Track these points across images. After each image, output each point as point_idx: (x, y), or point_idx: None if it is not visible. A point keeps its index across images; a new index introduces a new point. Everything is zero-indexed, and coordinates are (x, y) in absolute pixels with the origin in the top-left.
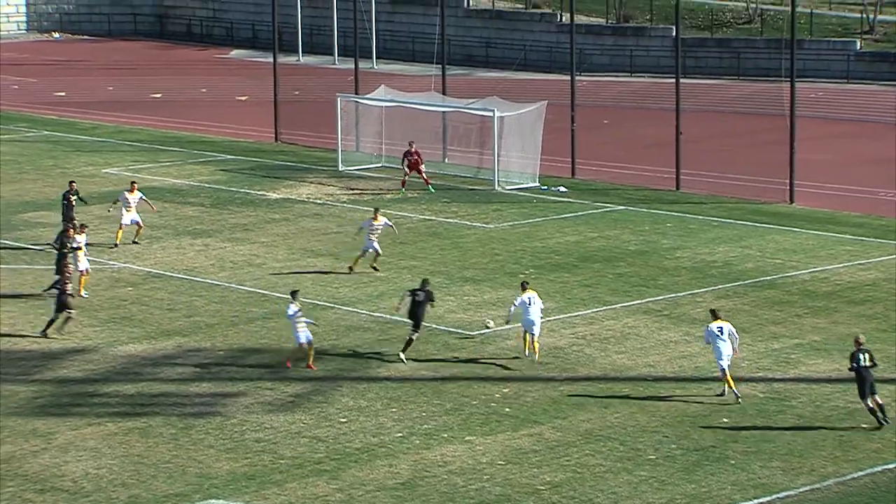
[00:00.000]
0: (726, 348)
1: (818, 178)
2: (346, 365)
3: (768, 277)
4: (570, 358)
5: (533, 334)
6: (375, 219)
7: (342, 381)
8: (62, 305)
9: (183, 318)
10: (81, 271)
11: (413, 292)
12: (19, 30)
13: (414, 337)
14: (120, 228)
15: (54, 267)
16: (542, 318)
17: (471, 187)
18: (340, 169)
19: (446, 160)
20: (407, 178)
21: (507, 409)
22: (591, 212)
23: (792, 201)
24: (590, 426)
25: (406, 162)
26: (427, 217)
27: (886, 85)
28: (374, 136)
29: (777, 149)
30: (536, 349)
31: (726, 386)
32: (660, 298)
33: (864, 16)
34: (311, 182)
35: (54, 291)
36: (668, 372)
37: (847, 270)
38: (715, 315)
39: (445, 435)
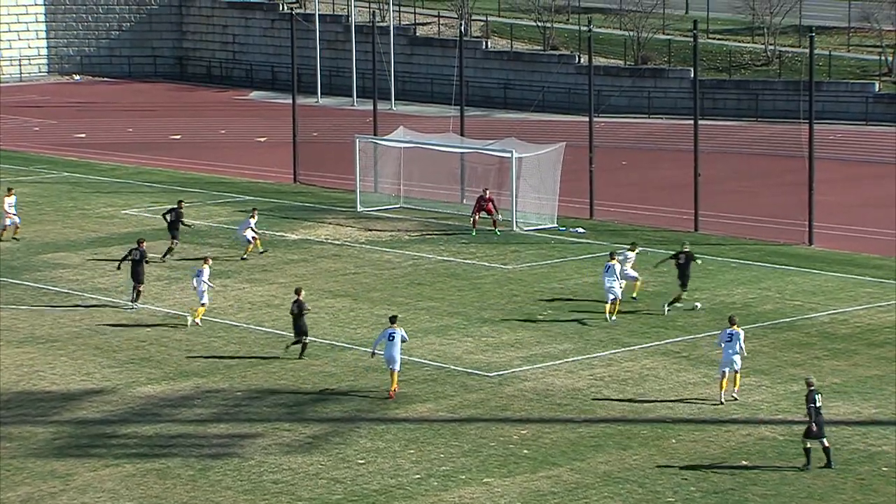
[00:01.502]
0: (735, 356)
1: (837, 219)
2: (364, 406)
3: (787, 319)
4: (588, 399)
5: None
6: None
7: (360, 423)
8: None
9: (201, 359)
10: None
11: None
12: (40, 72)
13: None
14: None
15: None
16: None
17: (489, 228)
18: (359, 210)
19: (464, 201)
20: (478, 217)
21: (526, 451)
22: (609, 253)
23: (811, 243)
24: (608, 468)
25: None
26: (445, 258)
27: None
28: (393, 178)
29: (796, 190)
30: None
31: (731, 386)
32: (678, 340)
33: (883, 58)
34: (330, 223)
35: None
36: (686, 414)
37: (867, 312)
38: (731, 321)
39: (463, 477)
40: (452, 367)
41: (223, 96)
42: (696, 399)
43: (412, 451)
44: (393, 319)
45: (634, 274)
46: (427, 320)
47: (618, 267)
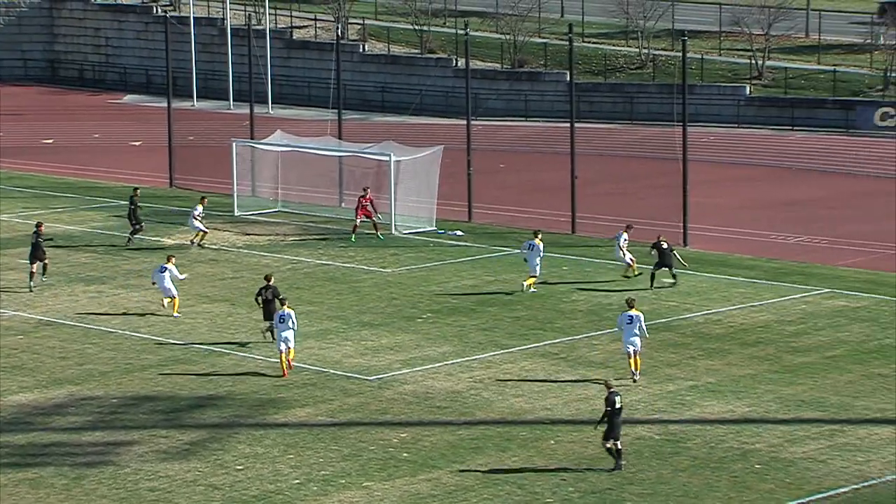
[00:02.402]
0: (634, 338)
1: (711, 221)
2: (242, 411)
3: (663, 320)
4: (467, 402)
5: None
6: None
7: (238, 428)
8: None
9: (75, 365)
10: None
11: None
12: None
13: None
14: None
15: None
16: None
17: (368, 232)
18: (236, 214)
19: (342, 205)
20: (358, 223)
21: (405, 454)
22: (488, 255)
23: (685, 244)
24: (488, 470)
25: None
26: (324, 262)
27: (776, 129)
28: (271, 181)
29: (670, 192)
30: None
31: (633, 368)
32: (557, 341)
33: (753, 61)
34: (207, 228)
35: None
36: (565, 415)
37: (740, 312)
38: (630, 304)
39: (343, 481)
40: (332, 371)
41: (97, 100)
42: (573, 400)
43: (291, 456)
44: (283, 301)
45: (626, 257)
46: (306, 324)
47: (541, 246)
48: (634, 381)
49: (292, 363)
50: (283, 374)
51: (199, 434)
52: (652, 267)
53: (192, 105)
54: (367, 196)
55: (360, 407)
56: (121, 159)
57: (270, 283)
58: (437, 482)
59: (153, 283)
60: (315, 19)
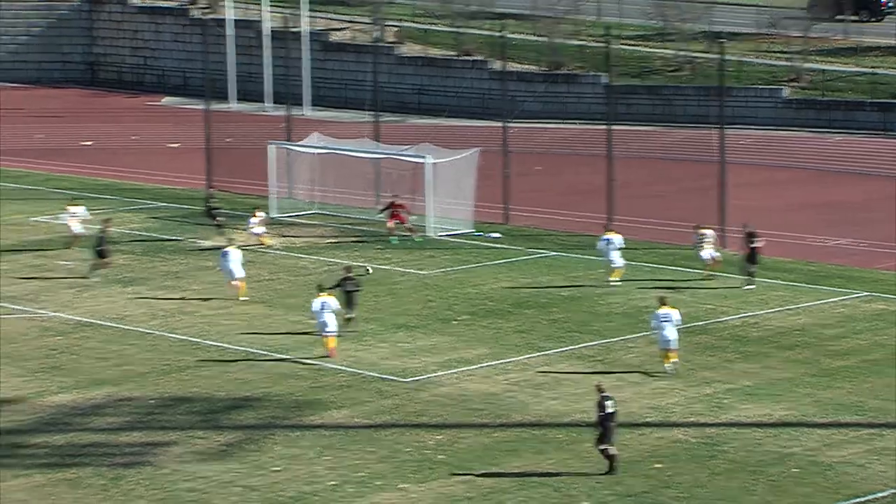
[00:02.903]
0: (671, 333)
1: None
2: (279, 413)
3: (700, 323)
4: (503, 404)
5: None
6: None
7: (275, 430)
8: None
9: (114, 366)
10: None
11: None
12: None
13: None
14: None
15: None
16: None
17: (404, 234)
18: (273, 216)
19: (379, 207)
20: (393, 224)
21: (441, 456)
22: (524, 258)
23: (723, 247)
24: (524, 472)
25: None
26: (360, 264)
27: (813, 131)
28: (307, 183)
29: (708, 195)
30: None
31: (669, 362)
32: (593, 344)
33: (791, 63)
34: (244, 229)
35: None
36: None
37: (777, 316)
38: (662, 302)
39: (379, 483)
40: (368, 372)
41: (135, 102)
42: None
43: (328, 458)
44: (322, 290)
45: (712, 254)
46: (343, 327)
47: (617, 239)
48: (675, 370)
49: (334, 349)
50: (331, 355)
51: (236, 435)
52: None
53: (230, 107)
54: (400, 203)
55: (396, 409)
56: (158, 161)
57: (350, 273)
58: (473, 484)
59: (218, 269)
60: (352, 22)
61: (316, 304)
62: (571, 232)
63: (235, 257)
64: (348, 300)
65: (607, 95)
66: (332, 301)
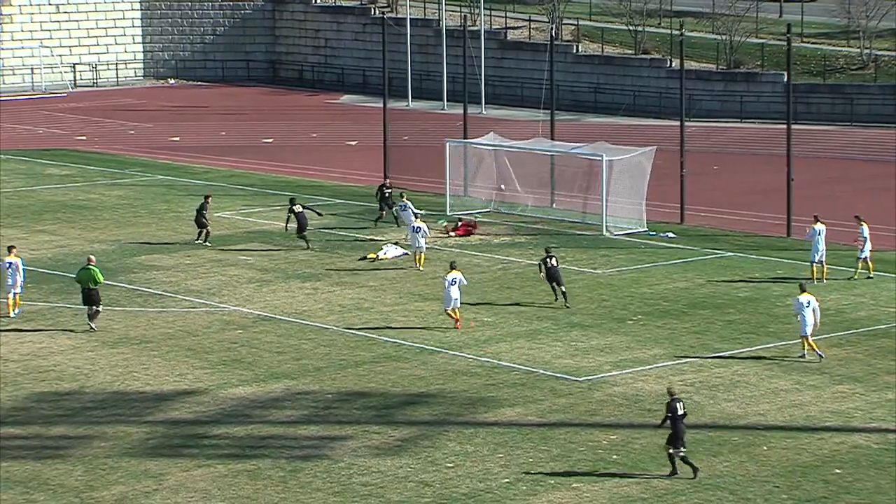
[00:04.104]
0: (810, 318)
1: None
2: (452, 410)
3: (882, 326)
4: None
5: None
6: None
7: (449, 426)
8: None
9: (292, 360)
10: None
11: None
12: (136, 76)
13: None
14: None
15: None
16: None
17: (578, 232)
18: (448, 214)
19: (554, 205)
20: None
21: (615, 457)
22: (700, 258)
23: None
24: (699, 475)
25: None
26: (535, 262)
27: None
28: (483, 181)
29: (890, 196)
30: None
31: (806, 350)
32: (770, 346)
33: None
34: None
35: None
36: (778, 421)
37: None
38: (802, 289)
39: (552, 481)
40: (541, 371)
41: (315, 100)
42: (787, 406)
43: (501, 455)
44: (453, 266)
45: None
46: (516, 324)
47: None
48: (821, 358)
49: (459, 321)
50: (457, 327)
51: (411, 431)
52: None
53: (407, 105)
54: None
55: (570, 408)
56: (337, 158)
57: (551, 252)
58: (647, 485)
59: (406, 240)
60: (529, 20)
61: (448, 278)
62: (748, 232)
63: (424, 231)
64: (550, 276)
65: (787, 94)
66: (461, 277)
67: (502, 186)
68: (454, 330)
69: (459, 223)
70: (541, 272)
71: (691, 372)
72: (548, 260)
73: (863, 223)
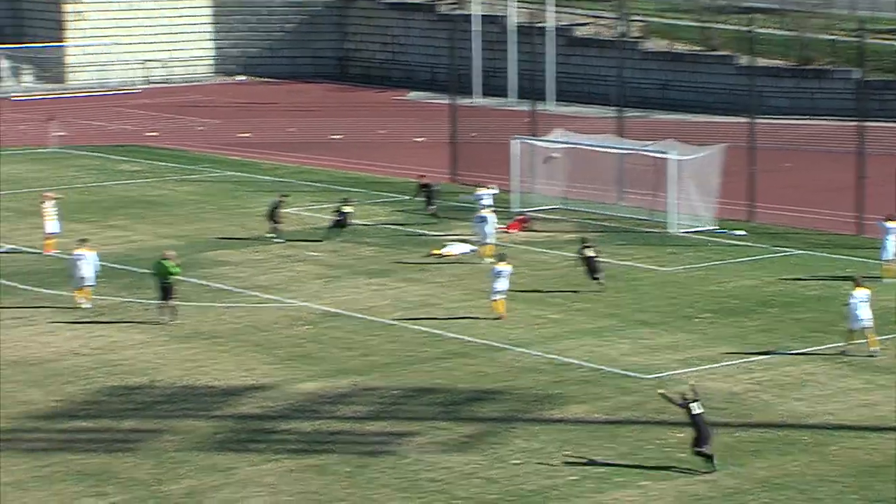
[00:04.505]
0: (865, 313)
1: None
2: (519, 406)
3: None
4: (746, 403)
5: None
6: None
7: (515, 423)
8: None
9: (359, 356)
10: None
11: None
12: (207, 73)
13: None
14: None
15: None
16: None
17: (646, 230)
18: (515, 210)
19: (621, 202)
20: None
21: (683, 455)
22: (769, 256)
23: None
24: (767, 474)
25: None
26: (602, 259)
27: None
28: (550, 178)
29: None
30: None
31: (859, 343)
32: (840, 344)
33: None
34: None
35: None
36: (848, 420)
37: None
38: (857, 283)
39: (619, 479)
40: (608, 368)
41: (382, 96)
42: (858, 405)
43: (567, 453)
44: (502, 258)
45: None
46: (583, 322)
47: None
48: (873, 356)
49: (503, 314)
50: (502, 318)
51: (477, 427)
52: None
53: (474, 102)
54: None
55: (637, 405)
56: (404, 155)
57: (588, 243)
58: (715, 484)
59: (474, 233)
60: (597, 17)
61: (496, 268)
62: (820, 230)
63: (492, 221)
64: (591, 267)
65: (859, 91)
66: (508, 268)
67: (554, 154)
68: (520, 327)
69: (515, 218)
70: (582, 264)
71: (760, 370)
72: (583, 251)
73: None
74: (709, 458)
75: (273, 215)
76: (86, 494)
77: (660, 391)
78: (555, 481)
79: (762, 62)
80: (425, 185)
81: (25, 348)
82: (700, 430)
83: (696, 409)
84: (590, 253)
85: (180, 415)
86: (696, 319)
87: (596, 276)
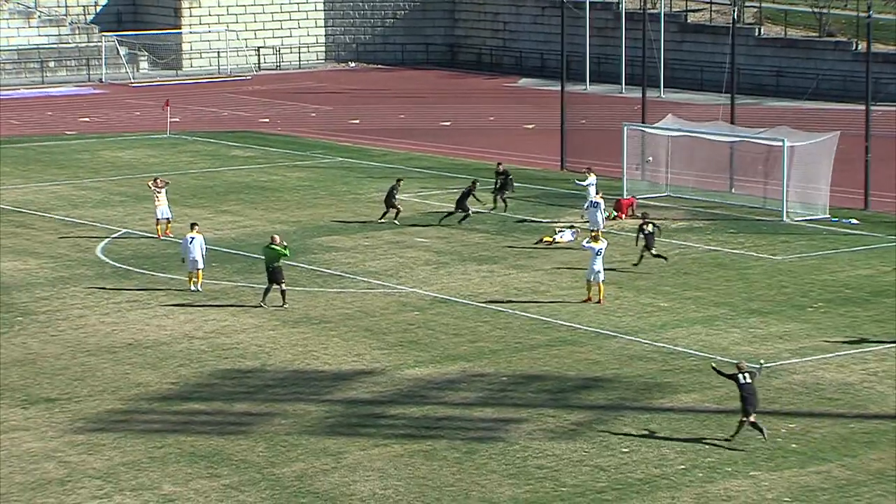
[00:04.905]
0: None
1: None
2: (628, 394)
3: None
4: (860, 394)
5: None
6: None
7: (624, 411)
8: None
9: (468, 343)
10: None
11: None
12: (318, 59)
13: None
14: (157, 223)
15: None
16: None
17: (758, 218)
18: (625, 197)
19: (733, 190)
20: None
21: (794, 445)
22: (885, 245)
23: None
24: (882, 466)
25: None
26: (712, 247)
27: None
28: (661, 165)
29: None
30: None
31: None
32: None
33: None
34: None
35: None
36: None
37: None
38: None
39: (729, 469)
40: (719, 357)
41: (492, 83)
42: None
43: (677, 441)
44: (595, 236)
45: None
46: (693, 310)
47: None
48: None
49: (591, 298)
50: (588, 299)
51: (585, 415)
52: None
53: (585, 89)
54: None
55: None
56: (513, 142)
57: (648, 218)
58: (828, 475)
59: (583, 219)
60: (710, 2)
61: (594, 247)
62: None
63: (601, 207)
64: (648, 244)
65: None
66: (603, 244)
67: (650, 158)
68: (629, 315)
69: (621, 202)
70: (638, 241)
71: (874, 361)
72: (644, 227)
73: None
74: (759, 428)
75: (389, 199)
76: (199, 476)
77: (712, 365)
78: (664, 470)
79: (879, 48)
80: (502, 173)
81: (141, 331)
82: (745, 399)
83: (743, 379)
84: (649, 229)
85: (292, 398)
86: (809, 309)
87: (652, 252)
